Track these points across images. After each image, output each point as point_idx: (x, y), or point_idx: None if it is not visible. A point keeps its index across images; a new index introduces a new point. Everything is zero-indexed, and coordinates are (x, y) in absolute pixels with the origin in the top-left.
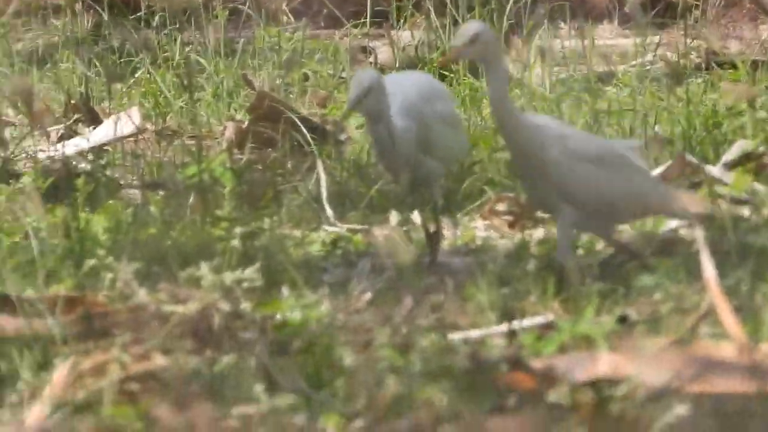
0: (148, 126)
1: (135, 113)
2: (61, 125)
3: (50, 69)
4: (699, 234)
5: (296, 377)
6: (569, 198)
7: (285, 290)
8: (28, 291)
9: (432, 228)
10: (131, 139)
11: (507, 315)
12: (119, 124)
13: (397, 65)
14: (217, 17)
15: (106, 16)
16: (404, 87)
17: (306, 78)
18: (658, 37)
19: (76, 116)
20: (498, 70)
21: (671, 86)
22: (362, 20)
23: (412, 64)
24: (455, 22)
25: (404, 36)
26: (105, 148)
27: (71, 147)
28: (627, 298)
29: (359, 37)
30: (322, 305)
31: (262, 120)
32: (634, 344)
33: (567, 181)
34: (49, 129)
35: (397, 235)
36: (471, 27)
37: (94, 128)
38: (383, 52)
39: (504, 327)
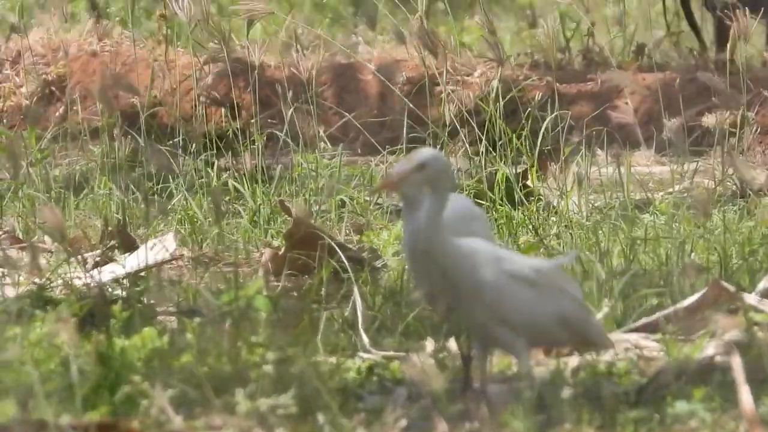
0: (185, 252)
1: (170, 239)
2: (98, 251)
3: (87, 194)
4: (736, 361)
5: None
6: (504, 320)
7: (320, 417)
8: (64, 417)
9: (467, 354)
10: (167, 265)
11: None
12: (154, 250)
13: None
14: (254, 143)
15: (142, 142)
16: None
17: (343, 204)
18: (694, 164)
19: (112, 242)
20: (441, 197)
21: (704, 214)
22: (398, 147)
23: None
24: (488, 151)
25: None
26: (141, 274)
27: (107, 273)
28: (662, 425)
29: (394, 164)
30: None
31: (298, 246)
32: None
33: (501, 302)
34: (85, 255)
35: (432, 362)
36: (421, 154)
37: (130, 254)
38: None
39: None
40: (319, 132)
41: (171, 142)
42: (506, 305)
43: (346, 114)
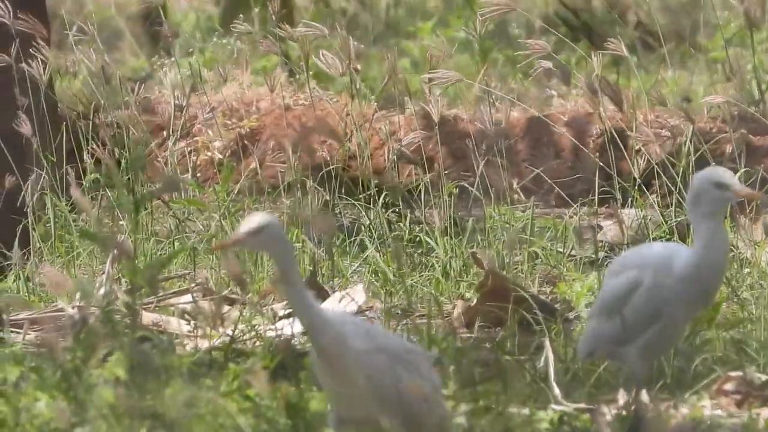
0: (377, 303)
1: (359, 291)
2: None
3: None
4: None
5: None
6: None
7: None
8: None
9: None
10: (359, 316)
11: None
12: (343, 302)
13: (626, 242)
14: (446, 196)
15: (332, 195)
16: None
17: (535, 256)
18: None
19: None
20: (291, 267)
21: None
22: (590, 198)
23: (639, 241)
24: (680, 203)
25: (631, 214)
26: None
27: (298, 325)
28: None
29: (586, 216)
30: None
31: (491, 299)
32: None
33: (369, 374)
34: (275, 307)
35: (623, 414)
36: (256, 218)
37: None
38: (612, 230)
39: None
40: (512, 184)
41: (363, 194)
42: (374, 380)
43: (534, 169)
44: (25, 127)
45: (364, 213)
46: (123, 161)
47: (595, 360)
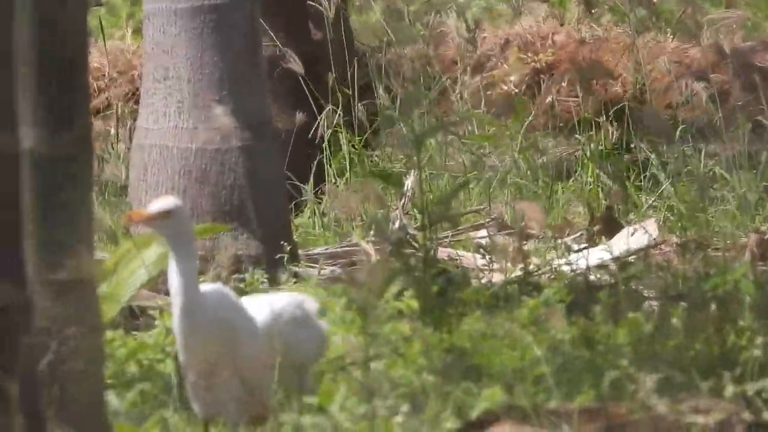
0: (671, 238)
1: (651, 225)
2: (583, 237)
3: (574, 182)
4: None
5: None
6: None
7: None
8: (550, 403)
9: None
10: (653, 251)
11: None
12: (635, 236)
13: None
14: (740, 129)
15: (626, 130)
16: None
17: None
18: None
19: (596, 228)
20: (189, 251)
21: None
22: None
23: None
24: None
25: None
26: (627, 260)
27: (593, 259)
28: None
29: None
30: None
31: None
32: None
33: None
34: (569, 242)
35: None
36: (168, 201)
37: (612, 240)
38: None
39: None
40: None
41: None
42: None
43: None
44: (295, 65)
45: (664, 148)
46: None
47: None
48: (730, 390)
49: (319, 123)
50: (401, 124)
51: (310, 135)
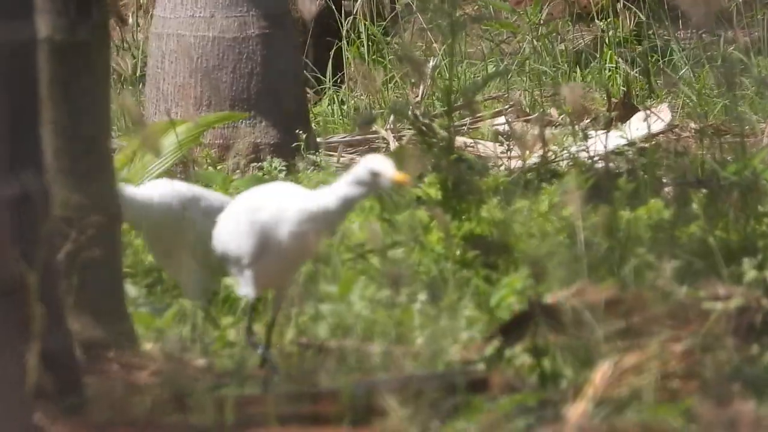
0: (692, 124)
1: (665, 110)
2: (601, 124)
3: (593, 69)
4: None
5: None
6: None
7: None
8: (571, 287)
9: None
10: (669, 136)
11: None
12: (649, 121)
13: None
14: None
15: (645, 17)
16: None
17: None
18: None
19: (614, 114)
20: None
21: None
22: None
23: None
24: None
25: None
26: (643, 145)
27: (611, 143)
28: None
29: None
30: None
31: None
32: None
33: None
34: (588, 129)
35: None
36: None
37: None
38: None
39: None
40: None
41: (672, 14)
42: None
43: None
44: None
45: (672, 32)
46: None
47: None
48: (750, 276)
49: (337, 11)
50: (418, 15)
51: (329, 23)
